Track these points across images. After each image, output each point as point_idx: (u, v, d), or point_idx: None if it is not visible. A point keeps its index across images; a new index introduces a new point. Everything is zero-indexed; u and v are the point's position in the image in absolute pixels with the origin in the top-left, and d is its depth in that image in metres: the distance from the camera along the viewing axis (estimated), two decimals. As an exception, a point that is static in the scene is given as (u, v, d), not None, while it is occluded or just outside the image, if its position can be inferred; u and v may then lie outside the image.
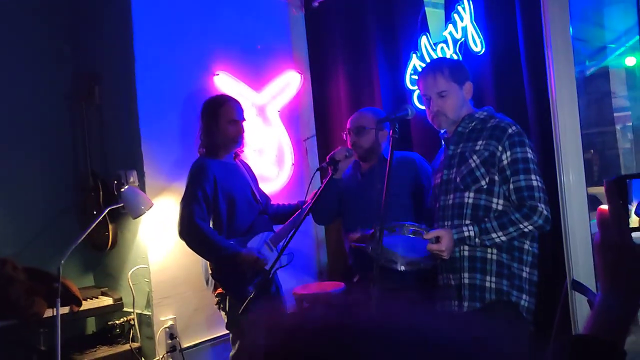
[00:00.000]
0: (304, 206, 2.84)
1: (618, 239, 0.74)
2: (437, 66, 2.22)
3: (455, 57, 3.06)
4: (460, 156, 2.12)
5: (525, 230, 1.96)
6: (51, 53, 3.48)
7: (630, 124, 3.92)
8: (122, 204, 2.99)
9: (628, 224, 0.73)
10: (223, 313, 2.76)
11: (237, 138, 2.82)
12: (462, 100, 2.17)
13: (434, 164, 2.39)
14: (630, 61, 3.88)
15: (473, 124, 2.15)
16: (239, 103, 2.91)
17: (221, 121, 2.77)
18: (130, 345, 3.13)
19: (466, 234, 1.98)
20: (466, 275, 2.05)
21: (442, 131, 2.25)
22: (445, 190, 2.15)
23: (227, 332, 2.81)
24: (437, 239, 1.97)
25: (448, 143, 2.22)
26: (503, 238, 1.96)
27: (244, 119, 2.87)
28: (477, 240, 1.97)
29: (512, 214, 1.97)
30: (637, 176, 0.73)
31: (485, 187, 2.03)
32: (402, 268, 1.99)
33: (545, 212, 1.98)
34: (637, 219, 0.73)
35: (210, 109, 2.81)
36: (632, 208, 0.73)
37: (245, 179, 2.89)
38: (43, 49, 3.45)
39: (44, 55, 3.45)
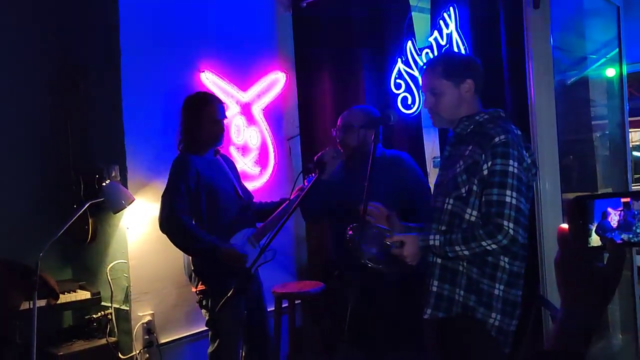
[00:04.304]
0: (288, 204, 2.84)
1: (578, 257, 0.78)
2: (432, 63, 2.14)
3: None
4: (452, 159, 2.04)
5: (489, 248, 1.83)
6: (36, 45, 3.44)
7: (608, 132, 3.99)
8: (102, 199, 2.99)
9: (587, 243, 0.76)
10: (204, 310, 2.77)
11: (218, 137, 2.83)
12: (457, 99, 2.03)
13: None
14: (610, 72, 3.95)
15: (472, 127, 2.03)
16: (221, 102, 2.92)
17: (204, 121, 2.77)
18: (107, 340, 3.12)
19: (431, 242, 1.91)
20: (436, 283, 2.00)
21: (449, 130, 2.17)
22: (436, 192, 2.10)
23: (206, 328, 2.82)
24: (401, 244, 1.92)
25: (446, 143, 2.15)
26: (466, 252, 1.86)
27: (225, 117, 2.89)
28: (441, 250, 1.91)
29: (477, 229, 1.86)
30: (598, 197, 0.76)
31: (464, 195, 1.94)
32: (365, 262, 1.96)
33: (511, 232, 1.81)
34: (598, 238, 0.77)
35: (192, 107, 2.81)
36: (593, 228, 0.77)
37: (227, 174, 2.89)
38: (28, 41, 3.41)
39: (29, 47, 3.41)
